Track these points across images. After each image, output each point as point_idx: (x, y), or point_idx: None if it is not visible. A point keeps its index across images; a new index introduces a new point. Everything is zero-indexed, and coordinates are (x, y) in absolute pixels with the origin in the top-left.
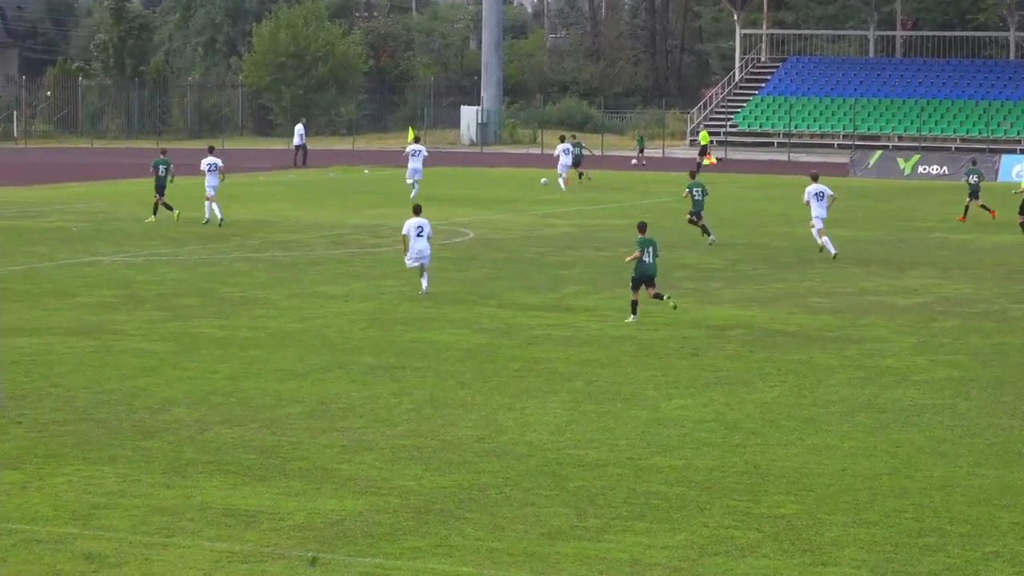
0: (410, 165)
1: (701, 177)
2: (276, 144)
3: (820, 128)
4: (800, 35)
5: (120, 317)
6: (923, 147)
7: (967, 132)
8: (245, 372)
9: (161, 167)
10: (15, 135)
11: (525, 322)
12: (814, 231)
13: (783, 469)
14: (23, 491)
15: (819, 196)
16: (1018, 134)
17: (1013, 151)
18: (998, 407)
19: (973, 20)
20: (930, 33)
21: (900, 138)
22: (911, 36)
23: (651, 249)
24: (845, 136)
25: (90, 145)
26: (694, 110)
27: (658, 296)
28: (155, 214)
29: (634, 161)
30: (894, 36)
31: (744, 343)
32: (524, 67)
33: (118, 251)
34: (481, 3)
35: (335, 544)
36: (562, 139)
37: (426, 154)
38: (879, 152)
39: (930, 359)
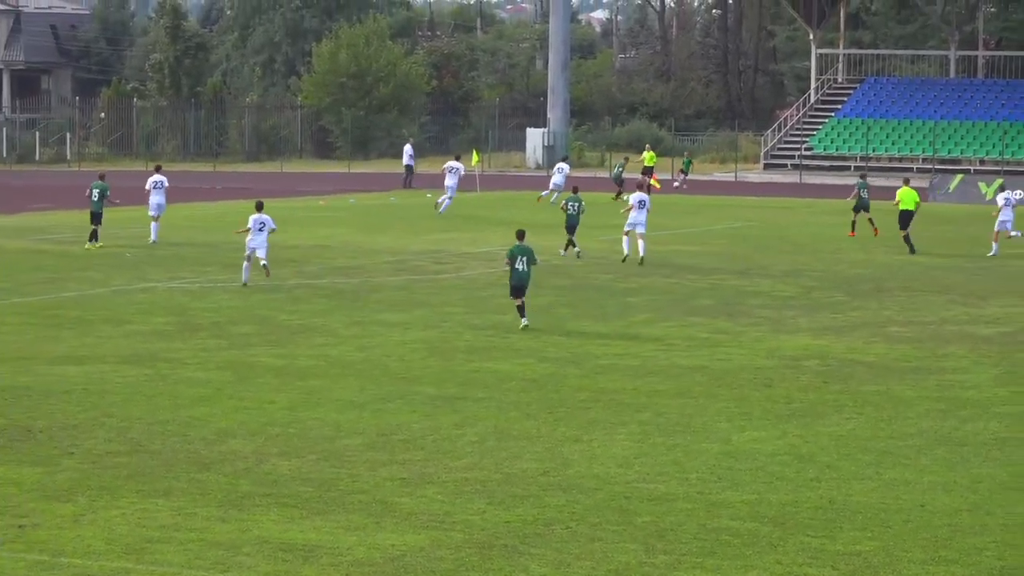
0: (447, 182)
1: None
2: (336, 167)
3: (899, 151)
4: (878, 55)
5: (175, 345)
6: (1006, 171)
7: None
8: (303, 402)
9: (95, 191)
10: (68, 157)
11: (592, 351)
12: (627, 238)
13: (859, 504)
14: (76, 524)
15: (641, 204)
16: None
17: None
18: None
19: None
20: (1014, 53)
21: (982, 162)
22: (994, 56)
23: (524, 258)
24: (925, 160)
25: (145, 167)
26: (768, 132)
27: (521, 309)
28: (92, 240)
29: (676, 183)
30: (976, 56)
31: (819, 374)
32: (592, 88)
33: (173, 277)
34: (548, 22)
35: None
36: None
37: (463, 172)
38: (960, 176)
39: (1013, 391)
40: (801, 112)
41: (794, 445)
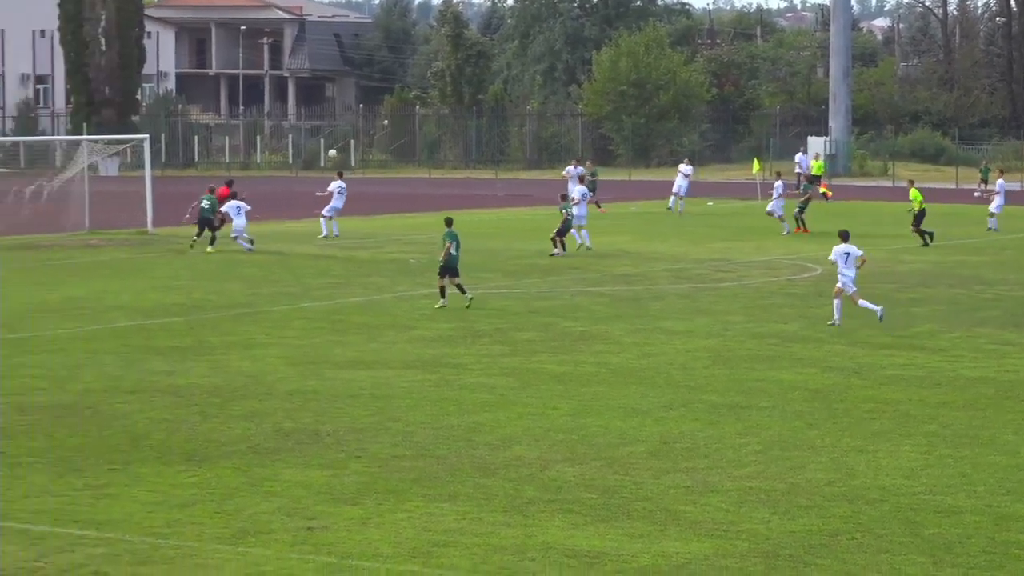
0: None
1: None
2: (616, 175)
3: None
4: None
5: (459, 351)
6: None
7: None
8: (586, 409)
9: (205, 202)
10: (352, 164)
11: (876, 361)
12: None
13: None
14: (363, 527)
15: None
16: None
17: None
18: None
19: None
20: None
21: None
22: None
23: (455, 243)
24: None
25: (427, 175)
26: None
27: (460, 287)
28: (204, 240)
29: (977, 193)
30: None
31: None
32: (874, 96)
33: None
34: (828, 30)
35: None
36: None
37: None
38: None
39: None
40: None
41: None
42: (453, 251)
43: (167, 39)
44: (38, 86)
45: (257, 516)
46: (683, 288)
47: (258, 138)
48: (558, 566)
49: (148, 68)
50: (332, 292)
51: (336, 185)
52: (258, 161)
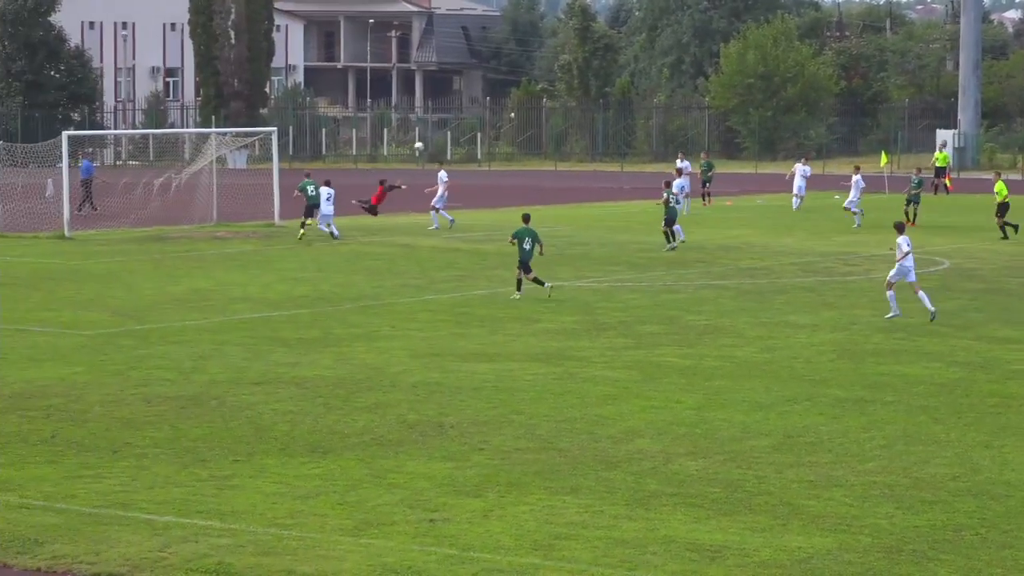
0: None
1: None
2: (742, 168)
3: None
4: None
5: (582, 344)
6: None
7: None
8: (710, 403)
9: (310, 188)
10: (479, 157)
11: (1003, 356)
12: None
13: None
14: (485, 519)
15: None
16: None
17: None
18: None
19: None
20: None
21: None
22: None
23: (529, 238)
24: None
25: (553, 168)
26: None
27: (537, 280)
28: (303, 228)
29: None
30: None
31: None
32: (1004, 89)
33: (580, 276)
34: (958, 22)
35: None
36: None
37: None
38: None
39: None
40: None
41: None
42: (526, 247)
43: (296, 32)
44: (168, 79)
45: (380, 508)
46: (808, 281)
47: (385, 131)
48: (680, 559)
49: (277, 61)
50: (457, 285)
51: (444, 176)
52: (385, 154)
